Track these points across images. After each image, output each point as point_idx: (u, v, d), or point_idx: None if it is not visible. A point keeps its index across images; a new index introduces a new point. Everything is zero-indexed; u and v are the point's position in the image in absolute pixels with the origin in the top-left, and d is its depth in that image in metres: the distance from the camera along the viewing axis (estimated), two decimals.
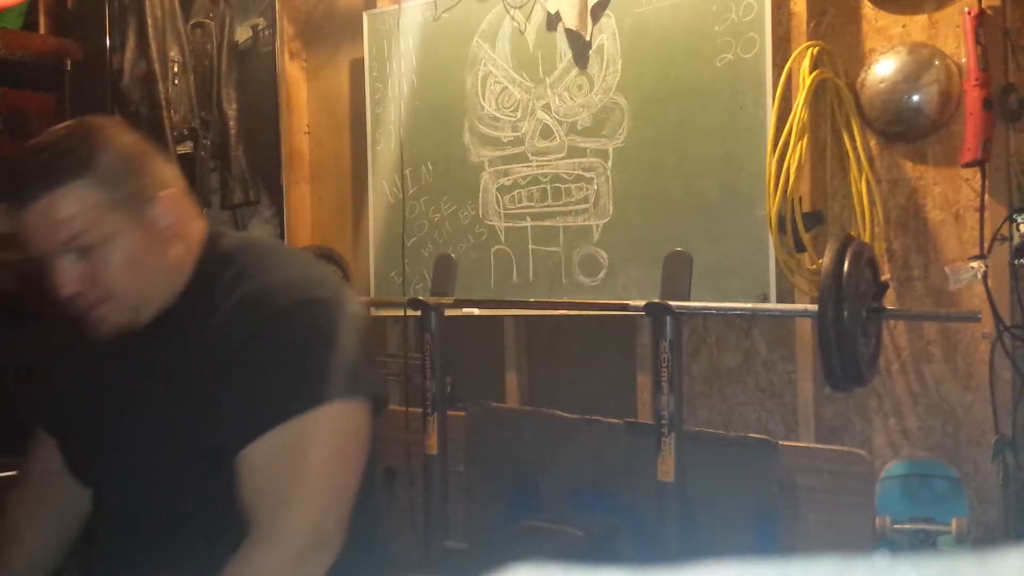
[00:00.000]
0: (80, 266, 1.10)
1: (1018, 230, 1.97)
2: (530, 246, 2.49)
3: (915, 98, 2.06)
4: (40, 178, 1.08)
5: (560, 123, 2.42)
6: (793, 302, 2.15)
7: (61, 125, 1.16)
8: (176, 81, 2.96)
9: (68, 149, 1.10)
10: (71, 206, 1.08)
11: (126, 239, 1.11)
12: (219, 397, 1.09)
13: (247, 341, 1.09)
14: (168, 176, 1.18)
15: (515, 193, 2.51)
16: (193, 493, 1.13)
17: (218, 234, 1.22)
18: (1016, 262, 1.98)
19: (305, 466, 1.08)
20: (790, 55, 2.12)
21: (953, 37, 2.06)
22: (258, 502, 1.07)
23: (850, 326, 1.64)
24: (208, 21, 3.07)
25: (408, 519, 2.63)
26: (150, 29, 2.89)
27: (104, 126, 1.16)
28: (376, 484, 1.29)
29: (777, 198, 2.02)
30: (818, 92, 2.10)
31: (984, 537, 2.01)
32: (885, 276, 2.10)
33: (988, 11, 1.96)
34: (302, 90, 3.14)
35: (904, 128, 2.10)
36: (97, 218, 1.09)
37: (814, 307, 1.72)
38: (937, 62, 2.05)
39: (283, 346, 1.10)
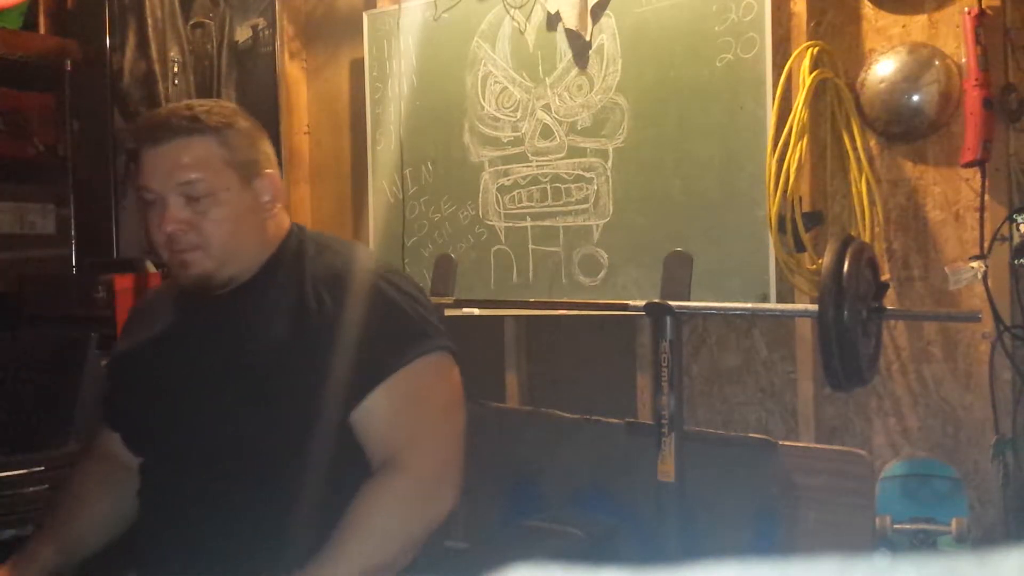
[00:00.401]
0: (186, 211, 1.21)
1: (1018, 230, 1.97)
2: (530, 246, 2.49)
3: (915, 98, 2.06)
4: (179, 123, 1.21)
5: (560, 123, 2.42)
6: (793, 302, 2.15)
7: (202, 99, 1.38)
8: (176, 81, 2.96)
9: (208, 110, 1.24)
10: (197, 153, 1.21)
11: (232, 197, 1.23)
12: (322, 361, 1.18)
13: (347, 306, 1.20)
14: (274, 160, 1.33)
15: (515, 193, 2.51)
16: (285, 460, 1.19)
17: (300, 226, 1.36)
18: (1016, 262, 1.98)
19: (426, 407, 1.21)
20: (790, 55, 2.12)
21: (953, 37, 2.06)
22: (386, 444, 1.18)
23: (850, 326, 1.64)
24: (208, 21, 3.07)
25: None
26: (150, 29, 2.89)
27: (232, 106, 1.32)
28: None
29: (777, 198, 2.02)
30: (818, 92, 2.10)
31: (984, 537, 2.01)
32: (885, 276, 2.10)
33: (988, 11, 1.96)
34: (302, 90, 3.14)
35: (904, 128, 2.10)
36: (215, 172, 1.22)
37: (814, 307, 1.72)
38: (937, 62, 2.05)
39: (384, 306, 1.23)
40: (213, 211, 1.22)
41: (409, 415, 1.21)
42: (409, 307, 1.25)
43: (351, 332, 1.20)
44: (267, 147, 1.31)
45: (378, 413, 1.19)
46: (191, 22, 3.06)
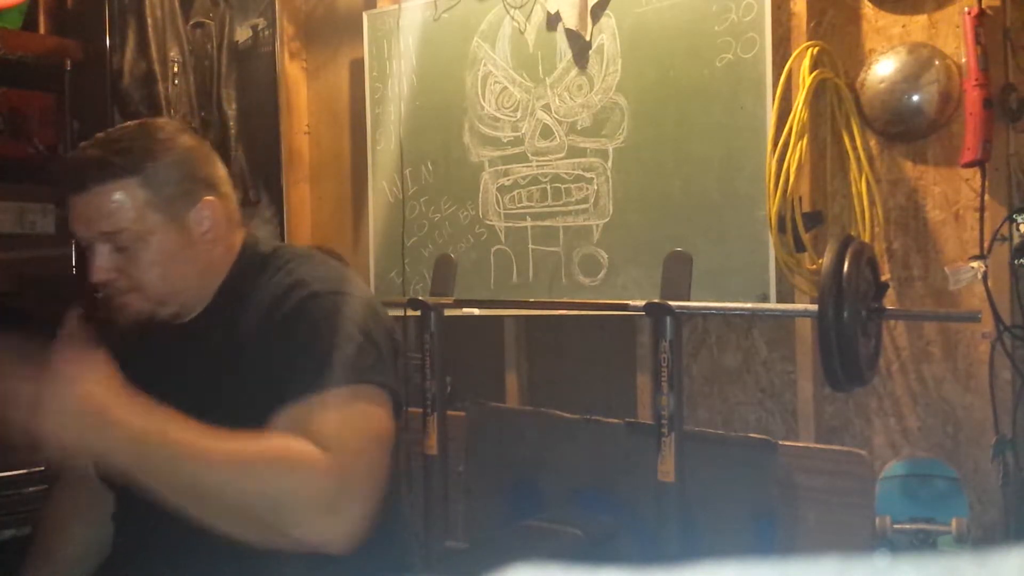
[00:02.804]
0: (115, 257, 1.16)
1: (1018, 230, 1.97)
2: (530, 246, 2.49)
3: (915, 98, 2.06)
4: (94, 169, 1.15)
5: (560, 123, 2.42)
6: (793, 302, 2.15)
7: (127, 123, 1.26)
8: (176, 81, 2.96)
9: (125, 148, 1.17)
10: (116, 201, 1.15)
11: (161, 239, 1.17)
12: (263, 382, 1.10)
13: (283, 325, 1.13)
14: (217, 182, 1.23)
15: (515, 193, 2.51)
16: None
17: (255, 240, 1.28)
18: (1016, 262, 1.98)
19: (354, 425, 1.05)
20: (790, 55, 2.12)
21: (953, 37, 2.05)
22: (308, 424, 1.02)
23: (850, 326, 1.64)
24: (208, 21, 3.07)
25: (408, 519, 2.63)
26: (150, 29, 2.89)
27: (165, 129, 1.23)
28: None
29: (777, 198, 2.02)
30: (818, 92, 2.10)
31: (984, 537, 2.01)
32: (885, 276, 2.10)
33: (988, 11, 1.96)
34: (302, 90, 3.14)
35: (904, 128, 2.10)
36: (138, 216, 1.15)
37: (814, 307, 1.72)
38: (937, 62, 2.05)
39: (318, 327, 1.12)
40: (142, 256, 1.16)
41: (337, 421, 1.04)
42: (348, 333, 1.12)
43: (282, 353, 1.10)
44: (206, 170, 1.22)
45: (302, 410, 1.05)
46: (191, 22, 3.05)
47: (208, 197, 1.20)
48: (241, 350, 1.16)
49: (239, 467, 0.97)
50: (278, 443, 1.00)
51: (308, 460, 0.98)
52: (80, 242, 1.18)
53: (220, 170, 1.26)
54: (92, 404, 0.96)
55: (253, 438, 1.00)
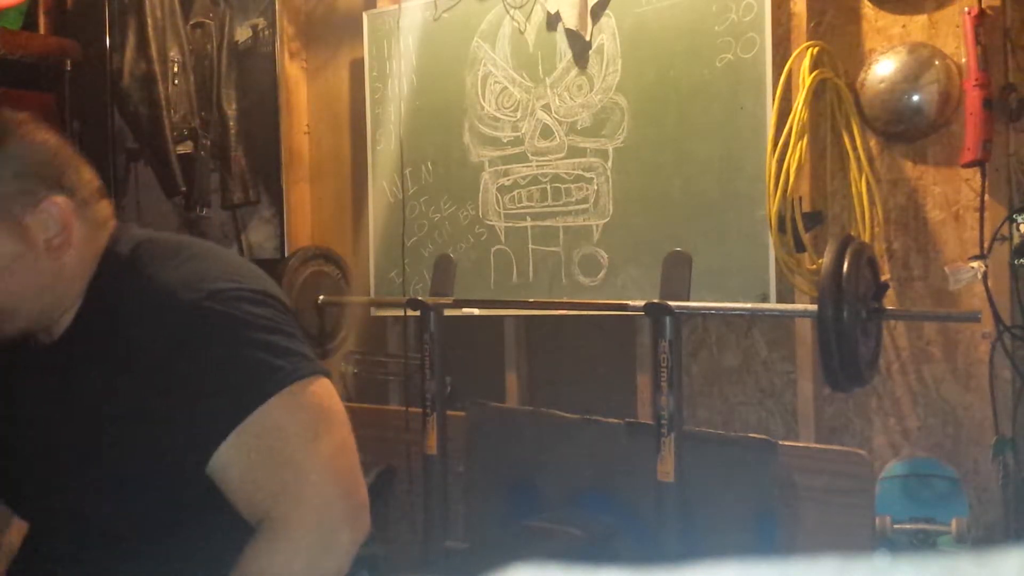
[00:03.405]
0: None
1: (1018, 230, 1.97)
2: (530, 246, 2.48)
3: (915, 98, 2.06)
4: None
5: (560, 123, 2.42)
6: (793, 302, 2.15)
7: None
8: (176, 81, 2.96)
9: None
10: None
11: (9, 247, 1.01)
12: (161, 410, 0.99)
13: (170, 351, 0.99)
14: (70, 183, 1.07)
15: (515, 193, 2.51)
16: (138, 511, 1.03)
17: (116, 239, 1.12)
18: (1016, 262, 1.98)
19: (289, 450, 0.99)
20: (790, 55, 2.12)
21: (953, 37, 2.06)
22: (252, 504, 0.98)
23: (850, 326, 1.64)
24: (208, 21, 3.07)
25: (408, 519, 2.63)
26: (150, 29, 2.89)
27: (6, 123, 1.06)
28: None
29: (777, 198, 2.02)
30: (818, 92, 2.10)
31: (984, 537, 2.01)
32: (885, 276, 2.10)
33: (988, 11, 1.96)
34: (302, 90, 3.14)
35: (904, 128, 2.10)
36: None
37: (814, 307, 1.72)
38: (937, 62, 2.05)
39: (213, 345, 1.00)
40: None
41: (269, 468, 0.98)
42: (244, 339, 1.01)
43: (179, 383, 0.99)
44: (55, 169, 1.06)
45: (232, 472, 0.99)
46: (191, 22, 3.05)
47: (54, 197, 1.04)
48: (118, 376, 1.02)
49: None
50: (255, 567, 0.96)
51: (280, 561, 0.96)
52: None
53: (79, 172, 1.10)
54: None
55: None
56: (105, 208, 1.14)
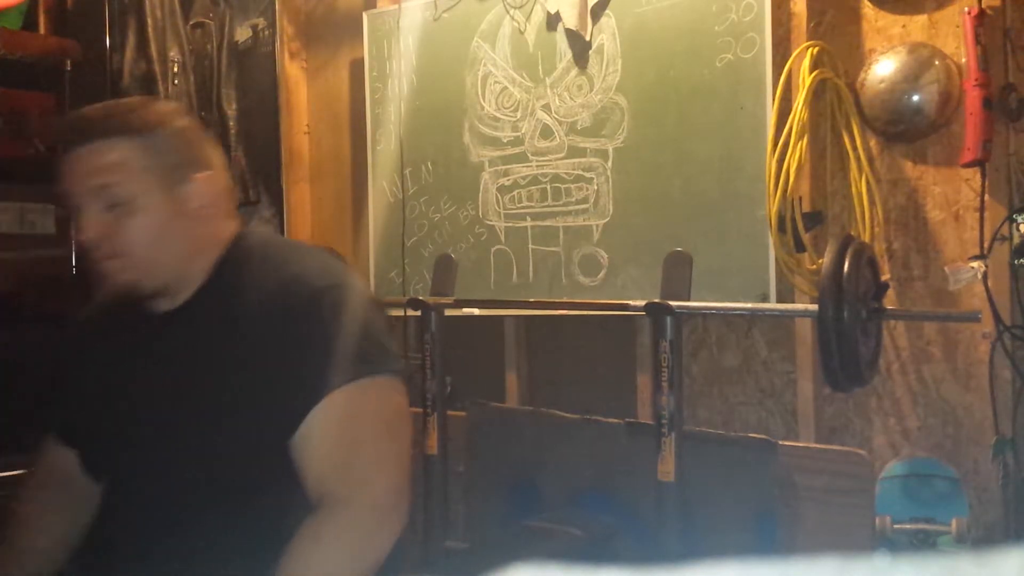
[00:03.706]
0: (104, 217, 1.14)
1: (1018, 230, 1.97)
2: (530, 246, 2.49)
3: (915, 98, 2.06)
4: (96, 126, 1.16)
5: (560, 123, 2.42)
6: (793, 302, 2.15)
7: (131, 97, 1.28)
8: (176, 81, 2.96)
9: (131, 110, 1.19)
10: (113, 157, 1.14)
11: (151, 205, 1.15)
12: (266, 378, 1.12)
13: (289, 322, 1.13)
14: (213, 164, 1.23)
15: (515, 193, 2.51)
16: (232, 477, 1.14)
17: (244, 233, 1.27)
18: (1016, 262, 1.98)
19: (363, 433, 1.14)
20: (790, 55, 2.11)
21: (953, 37, 2.06)
22: (323, 474, 1.11)
23: (850, 326, 1.64)
24: (208, 21, 3.07)
25: (408, 519, 2.63)
26: (150, 29, 2.89)
27: (167, 105, 1.28)
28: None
29: (777, 198, 2.02)
30: (818, 92, 2.10)
31: (984, 537, 2.01)
32: (885, 276, 2.10)
33: (988, 11, 1.96)
34: (302, 90, 3.14)
35: (904, 128, 2.10)
36: (131, 177, 1.14)
37: (814, 307, 1.72)
38: (937, 62, 2.05)
39: (325, 324, 1.14)
40: (131, 219, 1.14)
41: (345, 443, 1.13)
42: (352, 326, 1.15)
43: (290, 350, 1.12)
44: (205, 151, 1.23)
45: (313, 440, 1.12)
46: (191, 22, 3.05)
47: (204, 173, 1.20)
48: (238, 342, 1.15)
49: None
50: (302, 554, 1.07)
51: (333, 535, 1.08)
52: (71, 202, 1.15)
53: (218, 156, 1.26)
54: None
55: (301, 560, 1.07)
56: (234, 199, 1.31)
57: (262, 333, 1.14)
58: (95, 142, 1.14)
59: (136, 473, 1.21)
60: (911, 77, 2.06)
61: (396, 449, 1.16)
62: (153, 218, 1.16)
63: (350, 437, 1.14)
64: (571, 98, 2.41)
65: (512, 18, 2.50)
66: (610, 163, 2.34)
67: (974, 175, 2.02)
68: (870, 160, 2.13)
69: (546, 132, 2.45)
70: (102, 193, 1.14)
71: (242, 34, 3.14)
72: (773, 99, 2.07)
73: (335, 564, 1.09)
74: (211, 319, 1.18)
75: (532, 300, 2.44)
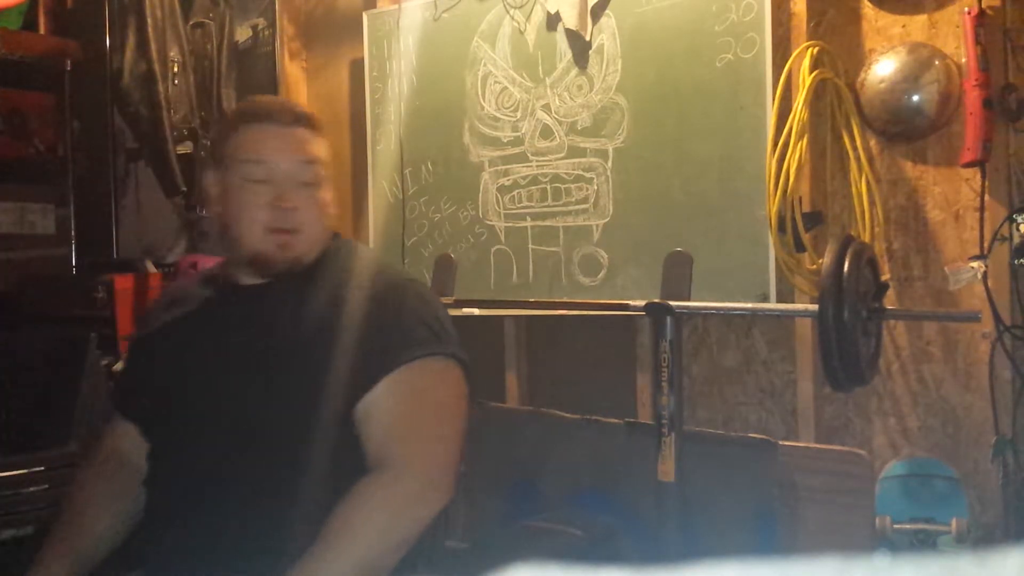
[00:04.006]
0: (300, 192, 1.28)
1: (1018, 230, 1.97)
2: (530, 246, 2.48)
3: (915, 98, 2.06)
4: (302, 115, 1.32)
5: (560, 123, 2.42)
6: (793, 302, 2.15)
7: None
8: (176, 81, 2.96)
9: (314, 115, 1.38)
10: (318, 146, 1.32)
11: (326, 191, 1.33)
12: (347, 348, 1.23)
13: (373, 304, 1.26)
14: None
15: (515, 193, 2.51)
16: (290, 446, 1.22)
17: (337, 233, 1.42)
18: (1016, 262, 1.98)
19: (426, 406, 1.24)
20: (790, 55, 2.11)
21: (953, 37, 2.06)
22: (382, 439, 1.20)
23: (850, 326, 1.64)
24: (208, 21, 3.07)
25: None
26: (150, 29, 2.89)
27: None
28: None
29: (777, 198, 2.02)
30: (818, 92, 2.10)
31: (984, 537, 2.01)
32: (885, 276, 2.10)
33: (988, 11, 1.96)
34: (302, 90, 3.14)
35: (904, 128, 2.10)
36: (323, 164, 1.32)
37: (814, 307, 1.72)
38: (937, 62, 2.05)
39: (401, 306, 1.27)
40: (317, 197, 1.30)
41: (408, 412, 1.22)
42: (425, 312, 1.29)
43: (371, 327, 1.24)
44: None
45: (380, 406, 1.21)
46: (191, 22, 3.06)
47: None
48: (328, 316, 1.27)
49: (364, 544, 1.14)
50: (353, 510, 1.16)
51: (385, 495, 1.17)
52: (261, 173, 1.27)
53: None
54: None
55: (350, 517, 1.15)
56: None
57: (350, 311, 1.26)
58: (300, 127, 1.30)
59: (192, 435, 1.27)
60: (911, 77, 2.06)
61: (451, 427, 1.25)
62: (326, 203, 1.32)
63: (411, 409, 1.23)
64: (571, 98, 2.41)
65: (512, 18, 2.50)
66: (610, 163, 2.34)
67: (974, 175, 2.02)
68: (870, 160, 2.13)
69: (546, 132, 2.45)
70: (306, 170, 1.29)
71: (242, 34, 3.14)
72: (773, 99, 2.07)
73: (379, 524, 1.16)
74: (307, 295, 1.29)
75: (532, 300, 2.44)
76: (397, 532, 1.18)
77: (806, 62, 2.06)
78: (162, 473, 1.31)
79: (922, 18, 2.10)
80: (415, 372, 1.23)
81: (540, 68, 2.45)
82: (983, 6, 1.94)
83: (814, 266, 2.05)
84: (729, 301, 2.08)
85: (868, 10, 2.17)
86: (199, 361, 1.31)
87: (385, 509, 1.17)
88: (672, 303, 1.93)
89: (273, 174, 1.27)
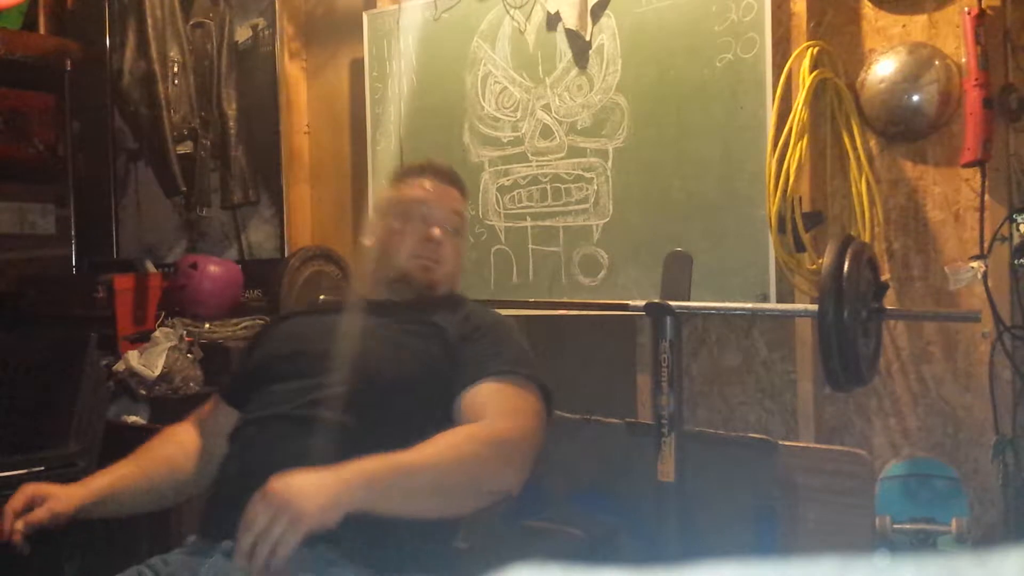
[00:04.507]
0: (447, 234, 1.60)
1: (1018, 230, 1.97)
2: (530, 246, 2.48)
3: (915, 98, 2.06)
4: (456, 180, 1.67)
5: (560, 123, 2.42)
6: (793, 302, 2.15)
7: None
8: (176, 81, 2.96)
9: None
10: (463, 204, 1.67)
11: (463, 240, 1.68)
12: (458, 356, 1.42)
13: (483, 331, 1.48)
14: None
15: (515, 193, 2.51)
16: (406, 417, 1.37)
17: None
18: (1016, 262, 1.98)
19: (519, 408, 1.37)
20: (790, 55, 2.11)
21: (953, 37, 2.06)
22: (481, 412, 1.35)
23: (850, 326, 1.64)
24: (208, 21, 3.07)
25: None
26: (150, 29, 2.89)
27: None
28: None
29: (777, 198, 2.02)
30: (818, 92, 2.10)
31: (984, 537, 2.01)
32: (885, 276, 2.10)
33: (988, 11, 1.96)
34: (302, 90, 3.14)
35: (904, 128, 2.10)
36: (464, 218, 1.68)
37: (814, 307, 1.72)
38: (937, 62, 2.05)
39: (507, 334, 1.50)
40: (454, 243, 1.62)
41: (506, 403, 1.38)
42: (523, 344, 1.52)
43: (479, 346, 1.45)
44: None
45: (481, 393, 1.38)
46: (191, 22, 3.06)
47: None
48: (448, 332, 1.47)
49: (448, 456, 1.23)
50: (460, 431, 1.30)
51: (478, 436, 1.28)
52: (416, 213, 1.59)
53: None
54: (329, 488, 1.10)
55: (442, 437, 1.26)
56: None
57: (465, 332, 1.47)
58: (454, 187, 1.65)
59: (290, 396, 1.40)
60: (911, 77, 2.06)
61: (533, 434, 1.36)
62: (461, 248, 1.66)
63: (509, 403, 1.38)
64: (571, 98, 2.41)
65: (512, 18, 2.50)
66: (610, 163, 2.34)
67: (974, 175, 2.02)
68: (870, 160, 2.13)
69: (546, 132, 2.45)
70: (452, 219, 1.61)
71: (242, 34, 3.14)
72: (773, 99, 2.07)
73: (459, 445, 1.25)
74: (434, 309, 1.52)
75: (532, 300, 2.44)
76: (472, 462, 1.25)
77: (806, 62, 2.06)
78: (249, 438, 1.40)
79: (922, 18, 2.11)
80: (515, 382, 1.40)
81: (540, 68, 2.45)
82: (983, 6, 1.94)
83: (814, 266, 2.05)
84: (729, 301, 2.08)
85: (868, 10, 2.17)
86: (321, 330, 1.51)
87: (469, 439, 1.28)
88: (672, 303, 1.94)
89: (427, 215, 1.58)
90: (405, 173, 1.68)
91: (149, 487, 1.48)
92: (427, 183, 1.62)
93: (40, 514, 1.35)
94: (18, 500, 1.37)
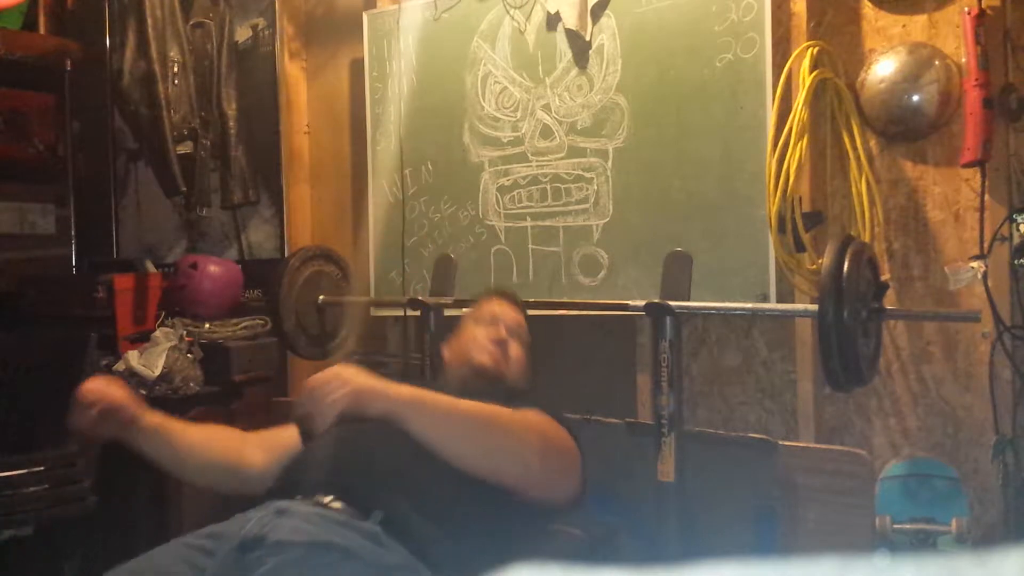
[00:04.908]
0: (511, 343, 1.88)
1: (1018, 230, 1.97)
2: (530, 246, 2.48)
3: (915, 98, 2.06)
4: (519, 304, 2.00)
5: (560, 123, 2.42)
6: (793, 302, 2.15)
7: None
8: (176, 81, 2.96)
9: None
10: (524, 321, 1.96)
11: (527, 351, 1.92)
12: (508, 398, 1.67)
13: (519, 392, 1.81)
14: None
15: (515, 193, 2.51)
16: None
17: None
18: (1016, 262, 1.98)
19: (551, 431, 1.61)
20: (790, 55, 2.11)
21: (953, 37, 2.06)
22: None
23: (850, 326, 1.64)
24: (208, 21, 3.07)
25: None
26: (150, 29, 2.89)
27: None
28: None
29: (777, 198, 2.02)
30: (818, 92, 2.10)
31: (984, 537, 2.01)
32: (885, 276, 2.10)
33: (988, 11, 1.96)
34: (302, 90, 3.14)
35: (904, 128, 2.10)
36: (526, 333, 1.95)
37: (814, 307, 1.72)
38: (937, 62, 2.05)
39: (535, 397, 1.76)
40: (519, 350, 1.88)
41: (552, 423, 1.63)
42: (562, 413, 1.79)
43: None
44: None
45: (531, 412, 1.61)
46: (191, 22, 3.05)
47: None
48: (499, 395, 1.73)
49: (497, 420, 1.49)
50: (518, 412, 1.54)
51: (537, 422, 1.55)
52: (489, 321, 1.90)
53: None
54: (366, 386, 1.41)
55: (501, 408, 1.51)
56: None
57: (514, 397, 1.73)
58: (518, 309, 1.97)
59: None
60: (911, 77, 2.06)
61: (572, 451, 1.65)
62: (524, 354, 1.90)
63: (553, 424, 1.64)
64: (571, 98, 2.41)
65: (512, 18, 2.50)
66: (610, 163, 2.34)
67: (974, 175, 2.02)
68: (870, 160, 2.13)
69: (546, 132, 2.45)
70: (517, 328, 1.91)
71: (242, 34, 3.14)
72: (773, 99, 2.07)
73: (491, 411, 1.48)
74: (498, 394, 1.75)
75: (532, 300, 2.44)
76: (512, 435, 1.48)
77: (806, 62, 2.06)
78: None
79: (922, 18, 2.11)
80: (545, 415, 1.66)
81: (540, 68, 2.45)
82: (983, 6, 1.94)
83: (814, 266, 2.05)
84: (729, 301, 2.08)
85: (868, 10, 2.17)
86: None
87: (522, 419, 1.52)
88: (672, 303, 1.94)
89: (497, 323, 1.88)
90: (482, 297, 2.03)
91: (210, 460, 1.65)
92: (496, 303, 1.95)
93: (117, 394, 1.54)
94: (93, 388, 1.54)
